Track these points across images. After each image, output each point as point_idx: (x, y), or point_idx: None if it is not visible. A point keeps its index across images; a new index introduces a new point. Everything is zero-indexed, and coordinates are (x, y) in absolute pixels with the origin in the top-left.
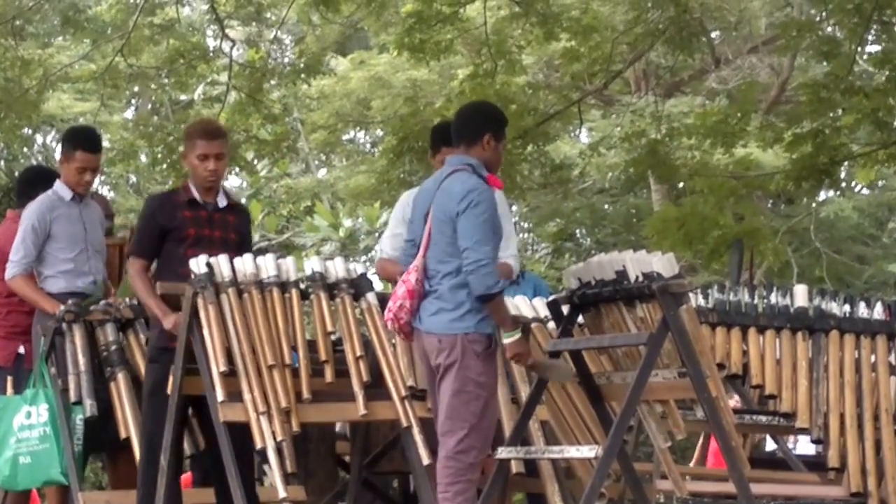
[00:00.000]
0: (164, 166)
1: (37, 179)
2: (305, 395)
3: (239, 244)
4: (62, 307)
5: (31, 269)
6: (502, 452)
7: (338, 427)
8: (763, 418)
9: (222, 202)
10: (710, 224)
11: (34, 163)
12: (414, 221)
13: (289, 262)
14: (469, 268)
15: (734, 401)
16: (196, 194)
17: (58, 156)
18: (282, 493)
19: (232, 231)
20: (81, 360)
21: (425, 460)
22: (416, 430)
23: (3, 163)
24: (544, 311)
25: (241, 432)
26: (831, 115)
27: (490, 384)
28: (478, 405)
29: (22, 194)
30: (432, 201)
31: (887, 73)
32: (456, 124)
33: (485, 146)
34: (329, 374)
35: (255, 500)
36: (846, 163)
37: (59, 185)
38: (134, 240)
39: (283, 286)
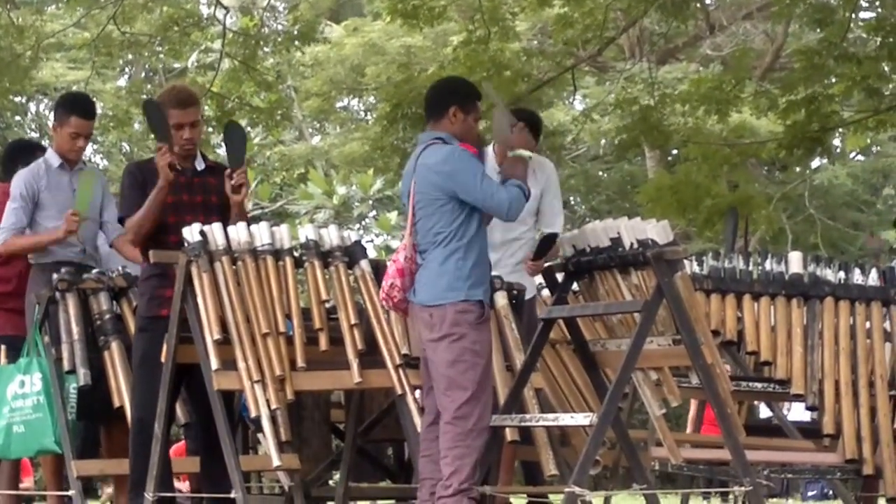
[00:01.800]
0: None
1: (16, 153)
2: (300, 363)
3: (222, 206)
4: (55, 275)
5: (21, 234)
6: (497, 420)
7: (332, 395)
8: (758, 385)
9: (200, 165)
10: (703, 192)
11: (28, 131)
12: (402, 203)
13: (283, 230)
14: (510, 216)
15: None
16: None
17: (51, 124)
18: (276, 462)
19: (213, 194)
20: (75, 328)
21: (420, 428)
22: (410, 398)
23: None
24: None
25: (226, 402)
26: (825, 81)
27: (485, 352)
28: (475, 373)
29: (5, 169)
30: (414, 178)
31: (880, 39)
32: (424, 104)
33: (451, 119)
34: (323, 342)
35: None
36: (839, 130)
37: (49, 153)
38: (122, 205)
39: (277, 254)
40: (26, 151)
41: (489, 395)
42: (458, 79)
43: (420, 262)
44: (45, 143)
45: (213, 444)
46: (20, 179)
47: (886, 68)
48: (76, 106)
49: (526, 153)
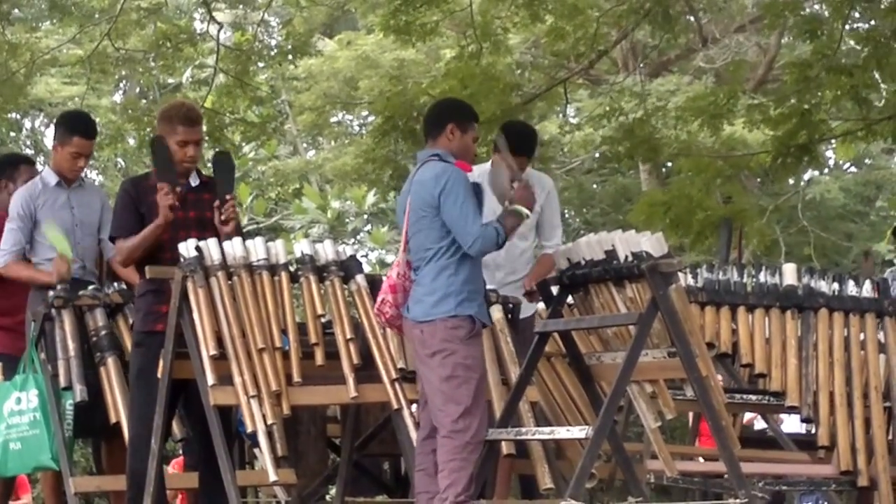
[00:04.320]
0: None
1: (1, 167)
2: (296, 378)
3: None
4: (51, 292)
5: (22, 254)
6: (493, 433)
7: (328, 410)
8: (753, 397)
9: (194, 181)
10: (696, 206)
11: (23, 147)
12: (398, 220)
13: (278, 245)
14: (471, 251)
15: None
16: None
17: (46, 140)
18: (272, 476)
19: (207, 209)
20: (71, 345)
21: (416, 442)
22: (406, 412)
23: None
24: None
25: (222, 417)
26: (817, 93)
27: (478, 366)
28: (469, 388)
29: None
30: (409, 196)
31: (870, 49)
32: (424, 123)
33: (449, 136)
34: (319, 357)
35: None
36: (831, 141)
37: (46, 171)
38: (113, 224)
39: (273, 269)
40: (9, 165)
41: (484, 409)
42: (455, 99)
43: (414, 278)
44: (40, 158)
45: (212, 459)
46: (18, 198)
47: (878, 76)
48: (78, 126)
49: (524, 211)
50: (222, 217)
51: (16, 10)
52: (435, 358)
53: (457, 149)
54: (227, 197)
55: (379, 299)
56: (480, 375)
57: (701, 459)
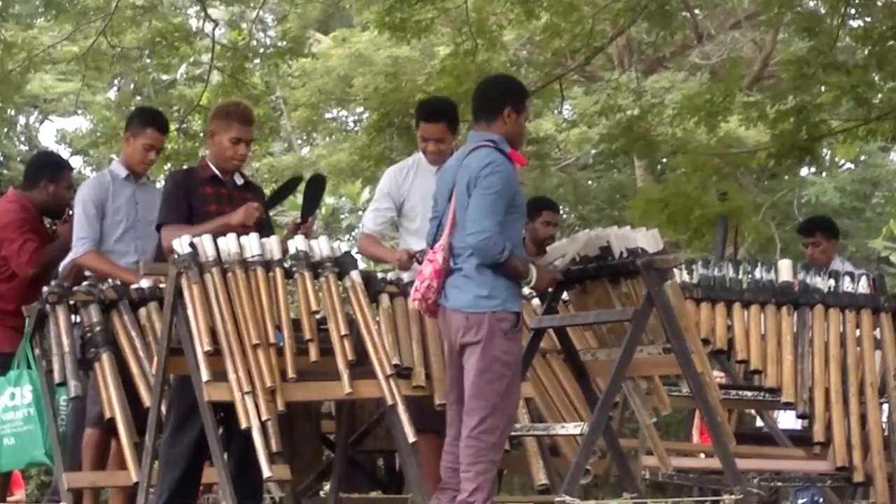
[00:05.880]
0: None
1: (41, 166)
2: (290, 374)
3: (258, 222)
4: (45, 288)
5: (98, 245)
6: None
7: (323, 406)
8: (748, 393)
9: (239, 180)
10: (693, 203)
11: (17, 144)
12: (438, 200)
13: (273, 241)
14: (470, 240)
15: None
16: (216, 171)
17: (41, 136)
18: (267, 472)
19: None
20: (65, 341)
21: (410, 438)
22: (401, 408)
23: None
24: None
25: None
26: (814, 91)
27: (514, 363)
28: (501, 384)
29: (26, 178)
30: (455, 179)
31: (869, 48)
32: (475, 101)
33: (505, 120)
34: (314, 353)
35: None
36: (829, 139)
37: (115, 164)
38: (163, 211)
39: (268, 265)
40: (51, 166)
41: (514, 407)
42: (509, 78)
43: (454, 264)
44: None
45: (246, 460)
46: (88, 190)
47: (876, 77)
48: (154, 119)
49: (530, 277)
50: (300, 232)
51: (11, 8)
52: (475, 348)
53: (512, 133)
54: (310, 218)
55: (423, 285)
56: (514, 372)
57: (702, 455)
